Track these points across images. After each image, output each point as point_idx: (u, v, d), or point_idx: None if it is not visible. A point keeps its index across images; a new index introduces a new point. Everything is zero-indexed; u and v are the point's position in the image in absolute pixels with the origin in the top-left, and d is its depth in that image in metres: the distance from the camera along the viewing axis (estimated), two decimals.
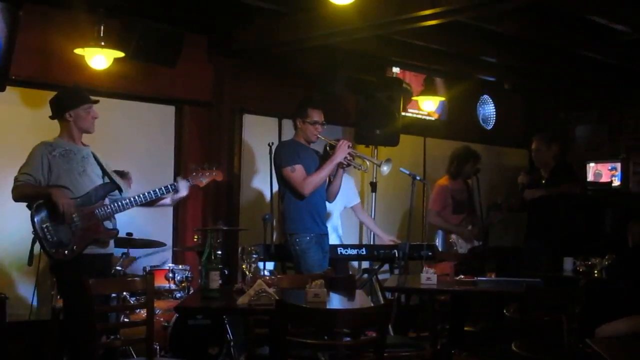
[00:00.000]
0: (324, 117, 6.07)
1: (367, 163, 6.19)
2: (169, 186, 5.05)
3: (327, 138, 6.12)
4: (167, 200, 5.16)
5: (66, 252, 4.67)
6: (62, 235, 4.68)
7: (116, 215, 5.00)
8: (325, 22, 6.45)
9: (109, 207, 4.87)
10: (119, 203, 4.91)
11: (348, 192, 6.94)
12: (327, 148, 6.13)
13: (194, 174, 5.17)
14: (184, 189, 5.11)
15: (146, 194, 4.97)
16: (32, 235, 4.71)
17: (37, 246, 4.76)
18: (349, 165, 6.04)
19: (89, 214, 4.78)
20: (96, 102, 5.00)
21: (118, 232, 5.06)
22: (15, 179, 4.75)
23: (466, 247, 7.74)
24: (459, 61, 8.30)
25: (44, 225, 4.67)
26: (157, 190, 5.00)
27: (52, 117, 4.98)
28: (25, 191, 4.72)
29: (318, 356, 4.45)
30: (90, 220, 4.77)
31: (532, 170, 7.70)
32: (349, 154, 5.97)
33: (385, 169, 6.04)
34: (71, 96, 4.97)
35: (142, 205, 5.02)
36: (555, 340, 4.14)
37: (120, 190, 5.04)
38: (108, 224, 4.91)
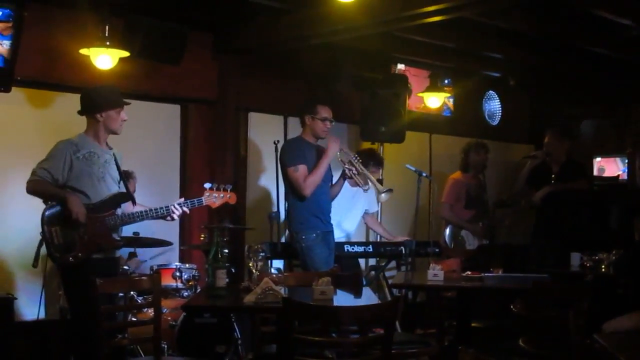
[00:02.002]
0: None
1: (369, 183, 6.21)
2: (170, 207, 4.95)
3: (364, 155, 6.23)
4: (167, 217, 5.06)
5: (70, 258, 4.67)
6: (69, 240, 4.67)
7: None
8: (329, 19, 6.45)
9: (119, 217, 4.85)
10: (128, 215, 4.88)
11: (369, 200, 7.00)
12: (345, 169, 6.14)
13: (207, 194, 5.06)
14: (176, 217, 5.01)
15: (152, 210, 4.93)
16: (40, 237, 4.72)
17: (43, 248, 4.78)
18: (350, 177, 6.08)
19: (99, 222, 4.75)
20: (128, 104, 4.99)
21: (123, 244, 5.05)
22: (33, 172, 4.72)
23: (475, 243, 7.74)
24: (464, 57, 8.29)
25: (53, 229, 4.67)
26: (163, 208, 4.94)
27: (80, 113, 4.93)
28: (41, 188, 4.71)
29: (325, 354, 4.45)
30: (99, 228, 4.75)
31: (542, 164, 7.67)
32: (353, 166, 5.99)
33: (383, 196, 6.09)
34: (106, 97, 4.92)
35: (148, 219, 5.00)
36: (562, 336, 4.13)
37: (134, 202, 5.02)
38: (114, 234, 4.89)
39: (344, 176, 6.12)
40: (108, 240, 4.82)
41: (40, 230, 4.69)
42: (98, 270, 4.57)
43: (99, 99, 4.90)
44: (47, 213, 4.68)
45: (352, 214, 7.00)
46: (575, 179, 7.47)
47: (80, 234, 4.68)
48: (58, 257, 4.68)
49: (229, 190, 5.13)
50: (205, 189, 5.07)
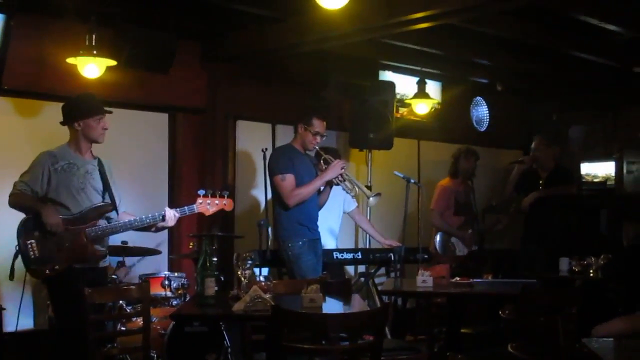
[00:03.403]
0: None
1: (357, 189, 6.18)
2: (157, 215, 4.89)
3: (325, 152, 6.13)
4: (152, 228, 4.99)
5: (47, 270, 4.64)
6: (46, 252, 4.63)
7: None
8: (317, 27, 6.45)
9: (100, 228, 4.78)
10: (111, 226, 4.83)
11: (345, 197, 6.95)
12: (322, 161, 6.12)
13: (200, 201, 4.94)
14: (170, 220, 4.91)
15: (137, 220, 4.87)
16: (15, 250, 4.69)
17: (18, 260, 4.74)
18: (338, 184, 6.07)
19: (78, 233, 4.71)
20: (109, 112, 4.93)
21: (107, 254, 4.99)
22: (14, 186, 4.74)
23: (464, 250, 7.76)
24: (452, 64, 8.31)
25: (29, 242, 4.63)
26: (149, 216, 4.88)
27: (62, 123, 4.91)
28: (20, 202, 4.72)
29: None
30: (79, 239, 4.70)
31: (530, 170, 7.69)
32: (340, 174, 5.99)
33: (372, 200, 6.09)
34: (83, 105, 4.89)
35: (133, 229, 4.94)
36: (551, 341, 4.13)
37: (117, 212, 4.94)
38: (98, 245, 4.84)
39: (330, 184, 6.11)
40: (89, 251, 4.76)
41: (15, 244, 4.68)
42: (84, 280, 4.54)
43: (75, 108, 4.88)
44: (22, 226, 4.67)
45: (331, 208, 6.79)
46: (564, 184, 7.50)
47: (58, 246, 4.65)
48: (34, 269, 4.65)
49: (225, 196, 5.01)
50: (199, 195, 4.95)
